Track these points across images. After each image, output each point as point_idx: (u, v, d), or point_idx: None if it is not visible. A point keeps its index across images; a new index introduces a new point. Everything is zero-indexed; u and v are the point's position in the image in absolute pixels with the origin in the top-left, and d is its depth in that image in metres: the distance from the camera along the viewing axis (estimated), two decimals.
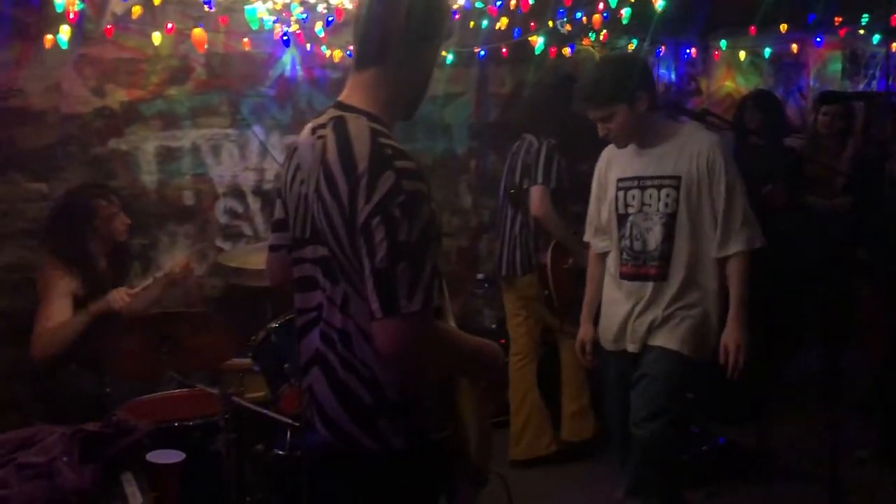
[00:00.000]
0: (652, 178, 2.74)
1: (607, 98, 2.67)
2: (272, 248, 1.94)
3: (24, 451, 2.16)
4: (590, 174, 3.00)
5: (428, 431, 1.68)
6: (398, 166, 1.53)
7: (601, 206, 2.91)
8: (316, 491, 1.82)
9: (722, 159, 2.72)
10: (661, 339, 2.74)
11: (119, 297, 3.18)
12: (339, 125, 1.64)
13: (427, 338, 1.54)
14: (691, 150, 2.72)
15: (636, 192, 2.77)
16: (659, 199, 2.73)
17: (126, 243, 3.53)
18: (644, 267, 2.76)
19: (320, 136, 1.66)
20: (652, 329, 2.75)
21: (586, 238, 3.03)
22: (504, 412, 3.85)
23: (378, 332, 1.52)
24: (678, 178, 2.70)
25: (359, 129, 1.61)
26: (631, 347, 2.79)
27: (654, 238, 2.74)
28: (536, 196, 3.63)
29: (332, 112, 1.70)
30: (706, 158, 2.70)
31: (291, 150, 1.79)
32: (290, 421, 2.64)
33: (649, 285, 2.74)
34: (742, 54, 5.22)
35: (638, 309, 2.75)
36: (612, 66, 2.81)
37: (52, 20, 3.41)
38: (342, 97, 1.73)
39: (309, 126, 1.75)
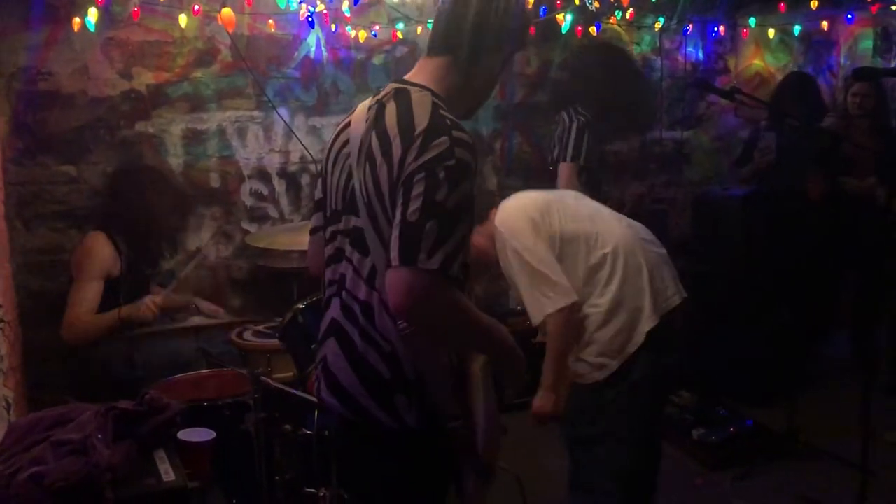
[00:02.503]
0: None
1: None
2: (313, 231, 1.94)
3: (60, 429, 2.18)
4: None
5: (441, 417, 1.68)
6: (455, 135, 1.56)
7: None
8: (337, 464, 1.84)
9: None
10: None
11: (148, 309, 3.21)
12: (402, 94, 1.66)
13: (437, 298, 1.53)
14: None
15: None
16: None
17: (157, 228, 3.56)
18: None
19: (380, 105, 1.67)
20: None
21: None
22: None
23: (390, 281, 1.52)
24: None
25: (421, 99, 1.63)
26: None
27: None
28: (564, 173, 3.60)
29: (394, 85, 1.72)
30: None
31: (342, 127, 1.80)
32: (317, 401, 2.66)
33: None
34: (771, 32, 5.13)
35: None
36: None
37: (81, 3, 3.44)
38: (408, 76, 1.76)
39: (365, 103, 1.77)
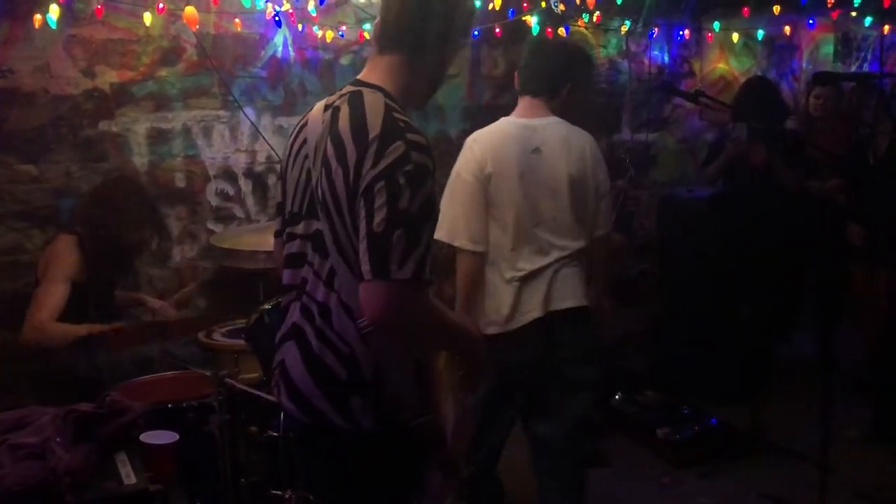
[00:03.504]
0: None
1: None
2: (277, 234, 1.92)
3: (17, 432, 2.14)
4: None
5: (403, 416, 1.67)
6: (409, 138, 1.55)
7: None
8: (298, 469, 1.83)
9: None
10: None
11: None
12: (355, 97, 1.65)
13: (413, 307, 1.54)
14: None
15: None
16: None
17: (129, 241, 3.45)
18: None
19: (334, 108, 1.67)
20: None
21: None
22: None
23: (365, 295, 1.52)
24: None
25: (374, 101, 1.63)
26: None
27: None
28: None
29: (349, 88, 1.72)
30: None
31: (300, 126, 1.79)
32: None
33: None
34: (735, 36, 5.21)
35: None
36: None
37: None
38: (361, 76, 1.75)
39: (322, 103, 1.76)
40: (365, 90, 1.67)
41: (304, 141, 1.73)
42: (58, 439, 2.07)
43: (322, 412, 1.65)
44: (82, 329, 3.07)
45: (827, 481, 2.93)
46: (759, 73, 5.40)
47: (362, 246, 1.51)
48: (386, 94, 1.66)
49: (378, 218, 1.49)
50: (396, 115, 1.59)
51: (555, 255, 2.65)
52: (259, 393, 2.69)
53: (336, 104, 1.68)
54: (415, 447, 1.71)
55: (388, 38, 1.73)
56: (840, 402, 3.22)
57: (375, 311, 1.51)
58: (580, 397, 2.72)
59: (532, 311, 2.64)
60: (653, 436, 3.84)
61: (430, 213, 1.56)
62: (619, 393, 4.18)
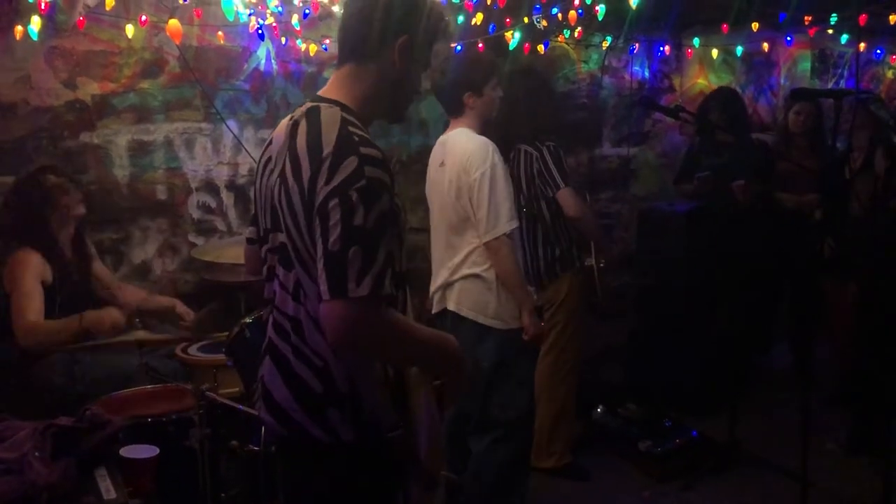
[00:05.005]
0: None
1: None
2: (249, 241, 1.96)
3: None
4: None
5: (379, 428, 1.67)
6: (363, 152, 1.55)
7: None
8: (279, 483, 1.83)
9: None
10: None
11: (112, 323, 3.19)
12: (313, 113, 1.66)
13: (374, 324, 1.53)
14: None
15: None
16: None
17: (83, 232, 3.47)
18: None
19: (294, 124, 1.68)
20: None
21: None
22: None
23: (324, 314, 1.52)
24: None
25: (330, 116, 1.63)
26: None
27: None
28: (569, 199, 3.50)
29: (308, 104, 1.72)
30: None
31: (267, 144, 1.80)
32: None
33: None
34: (715, 52, 5.28)
35: None
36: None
37: (23, 10, 3.36)
38: (321, 91, 1.76)
39: (285, 119, 1.77)
40: (322, 105, 1.67)
41: (270, 158, 1.74)
42: (36, 454, 2.06)
43: (300, 425, 1.66)
44: (74, 320, 3.10)
45: (806, 493, 2.96)
46: (738, 88, 5.47)
47: (319, 266, 1.51)
48: (343, 108, 1.66)
49: (333, 236, 1.50)
50: (352, 129, 1.59)
51: (460, 257, 2.88)
52: (240, 407, 2.68)
53: (296, 119, 1.69)
54: (393, 459, 1.71)
55: (341, 51, 1.76)
56: (817, 414, 3.25)
57: (335, 331, 1.51)
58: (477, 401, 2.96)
59: (435, 304, 3.00)
60: (635, 449, 3.85)
61: (388, 226, 1.55)
62: (601, 406, 4.19)
